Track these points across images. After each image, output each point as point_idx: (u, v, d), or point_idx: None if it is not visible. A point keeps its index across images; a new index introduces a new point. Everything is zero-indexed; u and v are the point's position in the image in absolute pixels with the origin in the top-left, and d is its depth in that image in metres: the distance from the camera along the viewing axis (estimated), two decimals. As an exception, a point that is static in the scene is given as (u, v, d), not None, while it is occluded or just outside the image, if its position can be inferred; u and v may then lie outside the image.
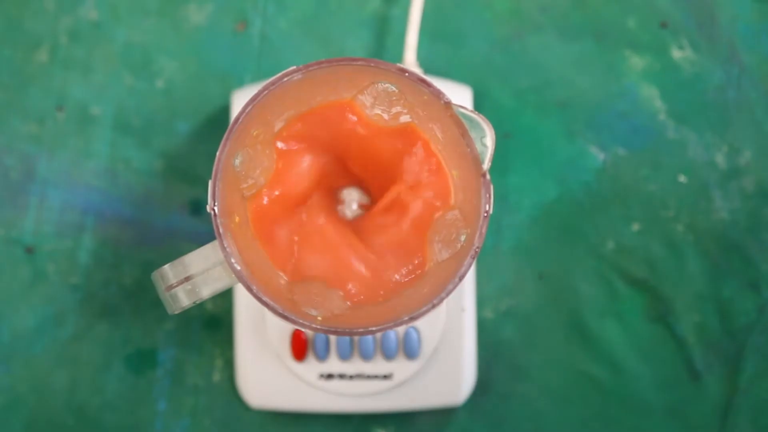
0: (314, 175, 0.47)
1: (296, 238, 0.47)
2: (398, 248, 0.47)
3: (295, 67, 0.44)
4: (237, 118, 0.44)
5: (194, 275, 0.45)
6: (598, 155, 0.66)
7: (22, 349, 0.65)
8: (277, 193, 0.47)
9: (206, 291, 0.46)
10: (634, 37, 0.66)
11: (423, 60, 0.65)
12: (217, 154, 0.44)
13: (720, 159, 0.66)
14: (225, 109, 0.65)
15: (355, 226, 0.48)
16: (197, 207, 0.66)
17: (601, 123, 0.66)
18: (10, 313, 0.65)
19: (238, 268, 0.44)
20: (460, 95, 0.63)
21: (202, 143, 0.66)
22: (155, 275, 0.46)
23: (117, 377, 0.65)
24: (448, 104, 0.44)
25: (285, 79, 0.44)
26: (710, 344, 0.65)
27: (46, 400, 0.65)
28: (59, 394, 0.65)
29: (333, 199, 0.48)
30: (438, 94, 0.44)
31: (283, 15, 0.67)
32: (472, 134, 0.44)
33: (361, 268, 0.47)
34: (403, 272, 0.47)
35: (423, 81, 0.44)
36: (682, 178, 0.66)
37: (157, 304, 0.65)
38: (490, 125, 0.44)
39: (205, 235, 0.66)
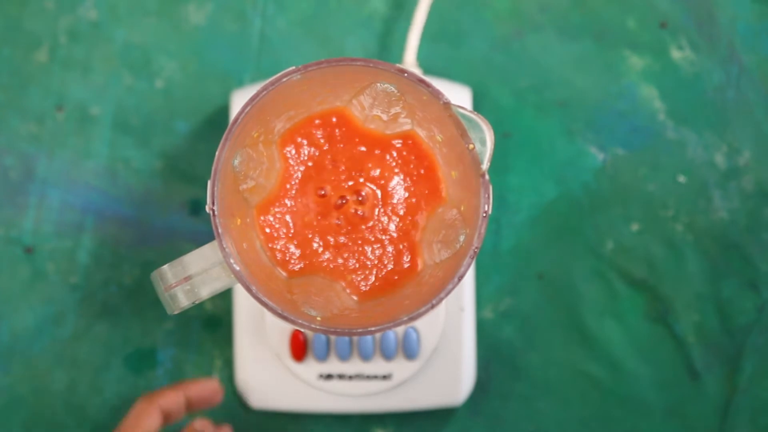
0: (317, 178, 0.48)
1: (309, 235, 0.47)
2: (395, 241, 0.47)
3: (294, 67, 0.44)
4: (236, 119, 0.44)
5: (193, 275, 0.45)
6: (597, 155, 0.66)
7: (22, 349, 0.65)
8: (282, 195, 0.47)
9: (205, 291, 0.45)
10: (633, 37, 0.66)
11: (423, 60, 0.65)
12: (216, 154, 0.44)
13: (719, 159, 0.66)
14: (225, 109, 0.65)
15: (356, 221, 0.48)
16: (197, 207, 0.66)
17: (601, 123, 0.66)
18: (9, 313, 0.65)
19: (237, 268, 0.44)
20: (459, 95, 0.63)
21: (202, 143, 0.66)
22: (154, 275, 0.46)
23: (116, 377, 0.65)
24: (447, 104, 0.44)
25: (284, 79, 0.44)
26: (710, 344, 0.65)
27: (45, 400, 0.65)
28: (59, 393, 0.65)
29: (337, 197, 0.48)
30: (437, 95, 0.44)
31: (283, 15, 0.67)
32: (471, 134, 0.44)
33: (362, 261, 0.47)
34: (401, 265, 0.47)
35: (422, 81, 0.44)
36: (681, 178, 0.66)
37: (156, 304, 0.65)
38: (489, 125, 0.44)
39: (204, 234, 0.66)
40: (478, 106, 0.65)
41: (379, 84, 0.46)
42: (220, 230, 0.44)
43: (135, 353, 0.65)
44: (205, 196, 0.65)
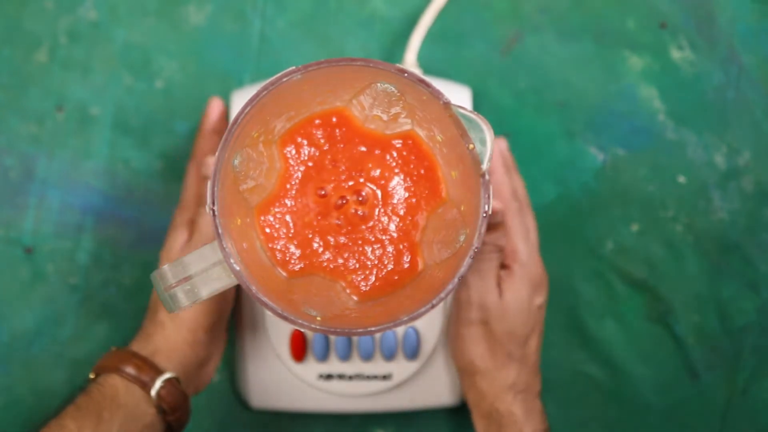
0: (317, 178, 0.48)
1: (309, 235, 0.47)
2: (395, 241, 0.47)
3: (294, 67, 0.44)
4: (236, 119, 0.44)
5: (193, 275, 0.45)
6: (597, 156, 0.66)
7: (22, 349, 0.65)
8: (282, 195, 0.47)
9: (205, 291, 0.45)
10: (633, 37, 0.66)
11: (423, 60, 0.65)
12: (217, 154, 0.44)
13: (719, 159, 0.66)
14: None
15: (356, 221, 0.48)
16: (196, 207, 0.66)
17: (601, 123, 0.66)
18: (9, 313, 0.65)
19: (237, 268, 0.44)
20: (459, 95, 0.63)
21: (202, 143, 0.66)
22: (154, 275, 0.46)
23: (116, 377, 0.65)
24: (447, 104, 0.44)
25: (284, 79, 0.44)
26: (709, 345, 0.65)
27: (45, 401, 0.65)
28: (58, 395, 0.65)
29: (337, 197, 0.48)
30: (437, 95, 0.44)
31: (283, 15, 0.67)
32: (471, 134, 0.44)
33: (362, 261, 0.47)
34: (401, 265, 0.47)
35: (422, 81, 0.44)
36: (681, 179, 0.66)
37: (156, 304, 0.65)
38: (489, 125, 0.44)
39: (204, 235, 0.66)
40: (478, 106, 0.65)
41: (379, 84, 0.46)
42: (220, 230, 0.44)
43: (135, 354, 0.65)
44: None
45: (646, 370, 0.65)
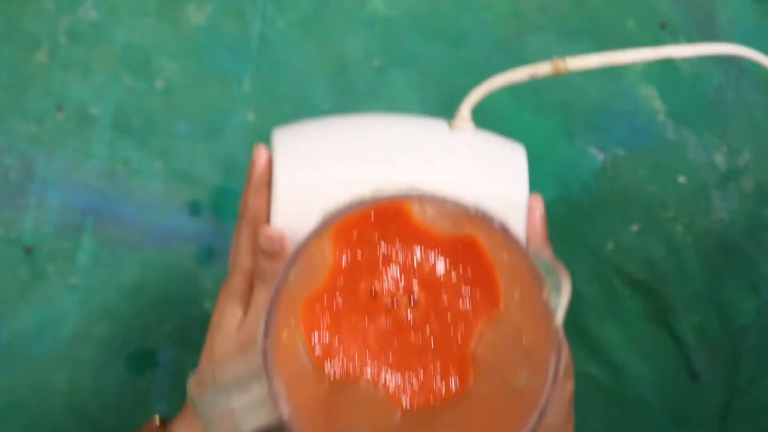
0: (367, 277, 0.44)
1: (355, 338, 0.44)
2: (442, 351, 0.44)
3: (368, 201, 0.40)
4: (303, 244, 0.39)
5: (236, 410, 0.41)
6: (597, 156, 0.66)
7: (22, 350, 0.65)
8: (330, 292, 0.44)
9: (249, 426, 0.41)
10: (633, 37, 0.66)
11: (422, 59, 0.65)
12: (276, 282, 0.39)
13: (719, 160, 0.66)
14: (225, 110, 0.65)
15: (405, 326, 0.45)
16: (196, 207, 0.66)
17: (601, 124, 0.66)
18: (9, 313, 0.65)
19: (287, 412, 0.38)
20: (513, 154, 0.56)
21: (202, 144, 0.66)
22: (195, 400, 0.44)
23: (116, 378, 0.65)
24: (525, 255, 0.39)
25: (355, 207, 0.40)
26: (709, 345, 0.65)
27: (45, 402, 0.65)
28: (59, 395, 0.65)
29: (387, 298, 0.45)
30: (517, 244, 0.40)
31: (283, 16, 0.67)
32: (547, 281, 0.39)
33: (408, 371, 0.44)
34: (449, 377, 0.44)
35: (504, 229, 0.40)
36: (681, 179, 0.66)
37: (156, 304, 0.65)
38: (568, 277, 0.39)
39: (204, 235, 0.65)
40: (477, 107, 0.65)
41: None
42: (270, 370, 0.39)
43: (135, 354, 0.65)
44: (204, 197, 0.65)
45: (646, 370, 0.65)
